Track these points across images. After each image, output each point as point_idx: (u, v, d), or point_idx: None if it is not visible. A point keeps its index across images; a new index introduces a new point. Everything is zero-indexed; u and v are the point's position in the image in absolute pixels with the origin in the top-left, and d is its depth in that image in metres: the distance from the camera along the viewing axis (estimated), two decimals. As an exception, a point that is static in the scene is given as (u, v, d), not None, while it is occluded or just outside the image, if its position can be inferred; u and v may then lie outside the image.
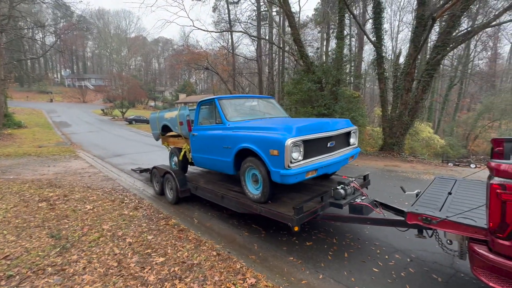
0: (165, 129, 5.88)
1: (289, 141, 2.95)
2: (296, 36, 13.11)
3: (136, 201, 5.31)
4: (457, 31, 10.99)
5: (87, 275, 2.74)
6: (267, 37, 24.76)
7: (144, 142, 15.90)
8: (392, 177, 7.44)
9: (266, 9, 20.94)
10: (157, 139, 6.56)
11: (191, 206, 5.13)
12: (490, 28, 19.59)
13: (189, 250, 3.27)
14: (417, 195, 2.86)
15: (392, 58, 22.16)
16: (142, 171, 7.20)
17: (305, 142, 3.15)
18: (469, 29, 12.25)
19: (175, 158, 5.80)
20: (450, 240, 2.56)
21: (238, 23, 24.29)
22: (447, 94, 27.43)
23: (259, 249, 3.41)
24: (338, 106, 12.04)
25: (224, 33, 28.43)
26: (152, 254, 3.19)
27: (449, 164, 10.49)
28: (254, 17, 26.36)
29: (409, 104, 11.67)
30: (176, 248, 3.33)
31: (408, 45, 11.77)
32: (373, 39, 11.78)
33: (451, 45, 11.02)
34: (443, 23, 12.78)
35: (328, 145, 3.54)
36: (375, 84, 27.54)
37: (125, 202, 5.21)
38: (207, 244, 3.43)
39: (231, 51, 26.38)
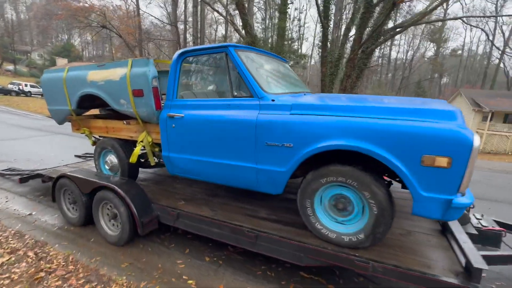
0: (85, 102, 3.14)
1: (477, 141, 1.45)
2: (240, 1, 11.04)
3: (31, 253, 2.52)
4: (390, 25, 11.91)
5: None
6: None
7: (6, 122, 10.38)
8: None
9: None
10: (61, 122, 3.55)
11: (159, 243, 2.87)
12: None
13: None
14: None
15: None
16: (24, 178, 3.92)
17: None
18: (403, 22, 13.49)
19: (112, 158, 3.19)
20: None
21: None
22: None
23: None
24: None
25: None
26: None
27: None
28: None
29: (347, 89, 12.12)
30: None
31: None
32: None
33: (382, 37, 11.90)
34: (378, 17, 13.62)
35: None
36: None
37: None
38: None
39: (135, 6, 21.04)
